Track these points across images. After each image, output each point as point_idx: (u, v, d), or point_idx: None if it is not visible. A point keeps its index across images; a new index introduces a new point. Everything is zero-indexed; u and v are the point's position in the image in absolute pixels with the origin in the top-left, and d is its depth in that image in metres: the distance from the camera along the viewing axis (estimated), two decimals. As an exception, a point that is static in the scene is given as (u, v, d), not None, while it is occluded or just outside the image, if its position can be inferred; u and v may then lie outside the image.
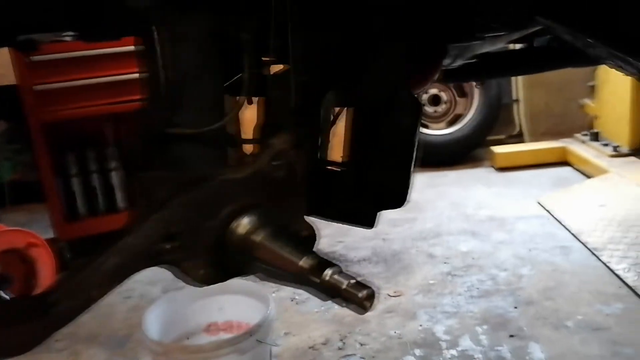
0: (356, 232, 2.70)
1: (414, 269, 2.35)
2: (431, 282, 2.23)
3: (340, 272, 0.56)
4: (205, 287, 1.79)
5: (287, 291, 2.15)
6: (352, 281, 0.56)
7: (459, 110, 3.93)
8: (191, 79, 0.60)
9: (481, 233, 2.67)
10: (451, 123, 3.94)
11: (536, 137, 4.06)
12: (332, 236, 2.69)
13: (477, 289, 2.15)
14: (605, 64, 1.15)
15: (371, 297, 0.55)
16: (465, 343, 1.81)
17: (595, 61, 1.50)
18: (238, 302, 1.78)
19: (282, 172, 0.59)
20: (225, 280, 0.61)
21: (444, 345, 1.81)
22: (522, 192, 3.19)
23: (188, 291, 1.76)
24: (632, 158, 3.22)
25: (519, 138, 4.14)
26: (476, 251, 2.48)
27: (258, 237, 0.56)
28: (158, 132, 0.59)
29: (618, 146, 3.32)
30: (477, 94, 3.85)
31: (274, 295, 2.13)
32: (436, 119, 3.96)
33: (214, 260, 0.57)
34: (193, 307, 1.77)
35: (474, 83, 3.67)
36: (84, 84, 2.61)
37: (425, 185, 3.46)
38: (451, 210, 3.00)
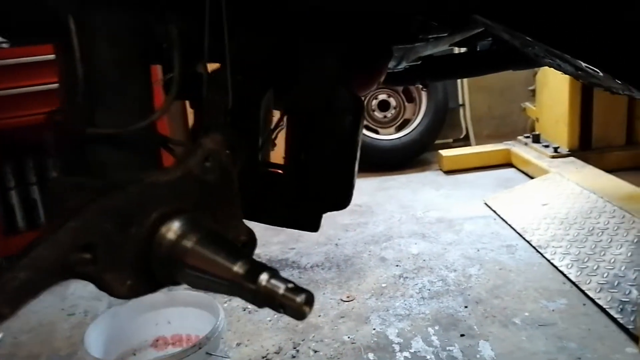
0: (308, 238, 2.69)
1: (366, 273, 2.35)
2: (383, 285, 2.24)
3: (276, 276, 0.52)
4: (152, 300, 1.72)
5: (239, 300, 2.11)
6: (290, 285, 0.51)
7: (407, 115, 3.99)
8: (111, 76, 0.56)
9: (431, 235, 2.71)
10: (400, 128, 3.99)
11: (481, 139, 4.17)
12: (284, 243, 2.67)
13: (428, 290, 2.17)
14: (544, 63, 1.19)
15: (310, 302, 0.51)
16: (418, 345, 1.82)
17: (534, 63, 1.55)
18: (187, 315, 1.73)
19: (214, 175, 0.56)
20: (154, 292, 0.56)
21: (396, 348, 1.81)
22: (469, 194, 3.27)
23: (133, 305, 1.69)
24: (571, 158, 3.35)
25: (465, 141, 4.24)
26: (426, 253, 2.51)
27: (189, 243, 0.52)
28: (76, 134, 0.55)
29: (558, 147, 3.45)
30: (425, 99, 3.92)
31: (225, 305, 2.08)
32: (385, 124, 4.00)
33: (140, 271, 0.52)
34: (139, 321, 1.70)
35: (419, 86, 3.74)
36: (20, 92, 2.49)
37: (376, 189, 3.48)
38: (402, 213, 3.04)
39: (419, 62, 1.48)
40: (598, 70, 0.71)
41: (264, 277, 0.51)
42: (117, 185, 0.50)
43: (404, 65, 1.34)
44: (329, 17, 0.86)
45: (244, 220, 0.65)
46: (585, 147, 3.45)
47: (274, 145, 1.01)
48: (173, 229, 0.52)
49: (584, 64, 0.73)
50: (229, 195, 0.58)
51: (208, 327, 1.55)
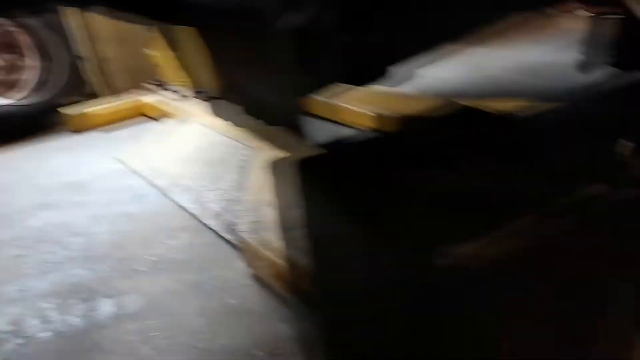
0: None
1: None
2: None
3: None
4: None
5: None
6: None
7: (23, 75, 3.51)
8: None
9: (58, 203, 2.51)
10: (16, 89, 3.51)
11: (112, 92, 4.00)
12: None
13: (51, 263, 2.01)
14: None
15: None
16: (33, 322, 1.68)
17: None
18: None
19: None
20: None
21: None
22: (101, 152, 3.13)
23: None
24: (195, 100, 3.50)
25: (94, 97, 4.01)
26: (52, 223, 2.32)
27: None
28: None
29: (183, 91, 3.56)
30: (38, 56, 3.51)
31: None
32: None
33: None
34: None
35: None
36: None
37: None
38: (24, 187, 2.72)
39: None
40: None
41: None
42: None
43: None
44: None
45: None
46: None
47: None
48: None
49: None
50: None
51: None
